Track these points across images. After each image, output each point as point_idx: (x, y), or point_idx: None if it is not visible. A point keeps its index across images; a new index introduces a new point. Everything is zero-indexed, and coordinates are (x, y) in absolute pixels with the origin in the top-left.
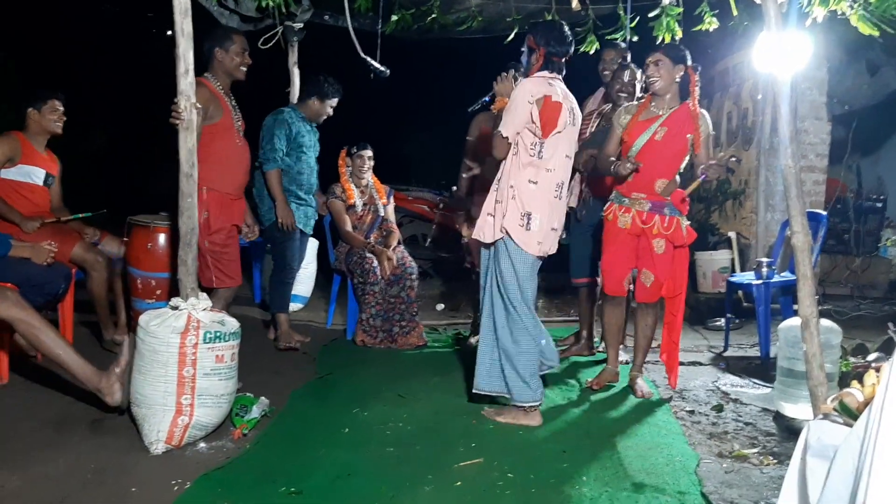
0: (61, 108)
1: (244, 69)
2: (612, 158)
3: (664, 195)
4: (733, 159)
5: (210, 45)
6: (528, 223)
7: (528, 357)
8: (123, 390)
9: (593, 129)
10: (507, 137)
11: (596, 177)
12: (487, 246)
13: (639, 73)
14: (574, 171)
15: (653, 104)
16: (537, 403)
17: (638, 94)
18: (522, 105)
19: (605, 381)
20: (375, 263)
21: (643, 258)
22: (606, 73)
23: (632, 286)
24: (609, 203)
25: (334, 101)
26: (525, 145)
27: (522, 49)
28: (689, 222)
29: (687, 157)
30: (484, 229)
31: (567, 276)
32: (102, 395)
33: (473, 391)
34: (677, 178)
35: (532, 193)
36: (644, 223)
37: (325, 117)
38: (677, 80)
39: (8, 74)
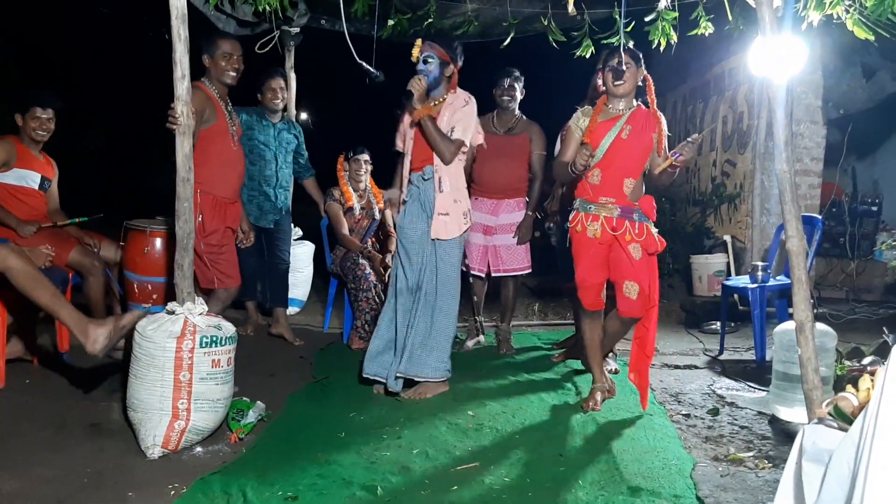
0: (44, 116)
1: (233, 74)
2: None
3: (632, 199)
4: (695, 135)
5: (200, 52)
6: (468, 217)
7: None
8: (108, 345)
9: None
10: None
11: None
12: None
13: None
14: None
15: (609, 105)
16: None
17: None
18: (475, 120)
19: (601, 400)
20: (368, 269)
21: (620, 269)
22: None
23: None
24: (574, 212)
25: (271, 83)
26: (463, 154)
27: (429, 58)
28: (657, 230)
29: (662, 156)
30: (440, 229)
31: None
32: (84, 341)
33: (441, 378)
34: (642, 180)
35: (466, 193)
36: (614, 230)
37: (277, 101)
38: (640, 83)
39: (9, 74)
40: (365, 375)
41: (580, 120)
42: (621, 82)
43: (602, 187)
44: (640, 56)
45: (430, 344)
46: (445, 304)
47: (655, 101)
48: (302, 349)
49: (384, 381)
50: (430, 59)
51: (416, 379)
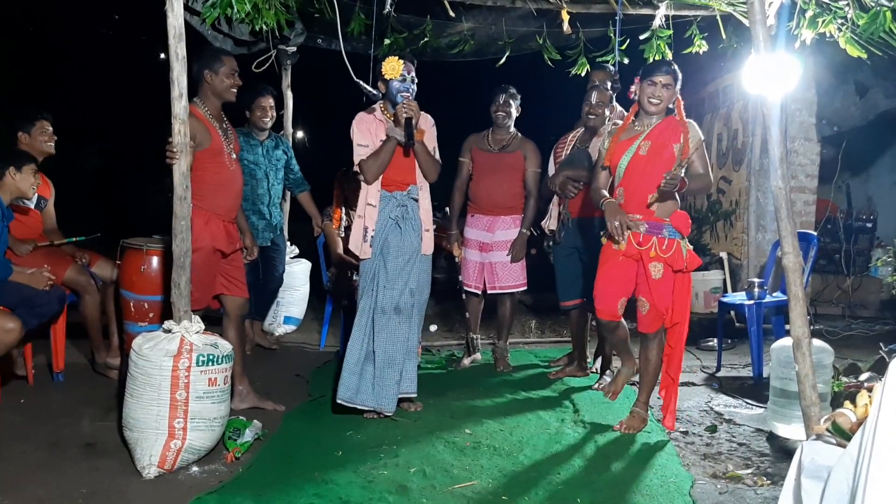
0: (50, 128)
1: (234, 91)
2: (604, 192)
3: (661, 214)
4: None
5: (199, 68)
6: None
7: None
8: None
9: (568, 152)
10: None
11: (572, 198)
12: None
13: (612, 95)
14: (551, 193)
15: (636, 124)
16: None
17: (609, 115)
18: None
19: (622, 384)
20: None
21: (640, 284)
22: None
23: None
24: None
25: (261, 101)
26: None
27: (413, 78)
28: (691, 246)
29: (680, 169)
30: (428, 245)
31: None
32: None
33: (409, 395)
34: (677, 196)
35: None
36: (640, 245)
37: (266, 120)
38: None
39: (4, 90)
40: (355, 406)
41: (605, 143)
42: (658, 101)
43: (627, 205)
44: (679, 75)
45: (411, 359)
46: (420, 318)
47: (682, 112)
48: (298, 367)
49: (371, 408)
50: (414, 79)
51: (409, 395)
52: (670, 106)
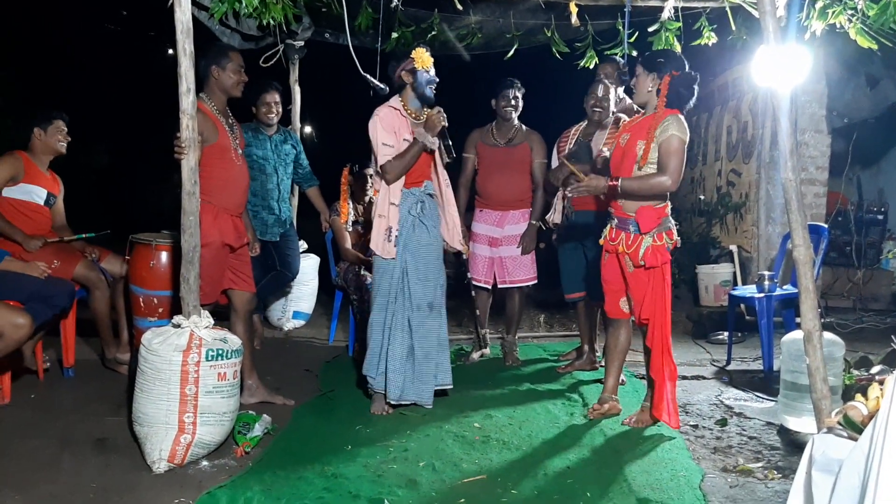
0: (65, 129)
1: (241, 87)
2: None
3: (628, 209)
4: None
5: (206, 64)
6: None
7: None
8: None
9: (572, 146)
10: None
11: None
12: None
13: (620, 89)
14: (555, 187)
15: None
16: None
17: (613, 109)
18: None
19: (607, 410)
20: (370, 280)
21: (626, 279)
22: None
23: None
24: None
25: (266, 97)
26: None
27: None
28: (660, 243)
29: (645, 166)
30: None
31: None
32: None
33: (445, 387)
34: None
35: None
36: (612, 240)
37: (272, 115)
38: (650, 88)
39: (11, 89)
40: (403, 402)
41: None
42: (633, 93)
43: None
44: (654, 60)
45: (444, 351)
46: (445, 310)
47: (663, 106)
48: (307, 362)
49: (412, 402)
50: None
51: (445, 387)
52: (649, 89)
